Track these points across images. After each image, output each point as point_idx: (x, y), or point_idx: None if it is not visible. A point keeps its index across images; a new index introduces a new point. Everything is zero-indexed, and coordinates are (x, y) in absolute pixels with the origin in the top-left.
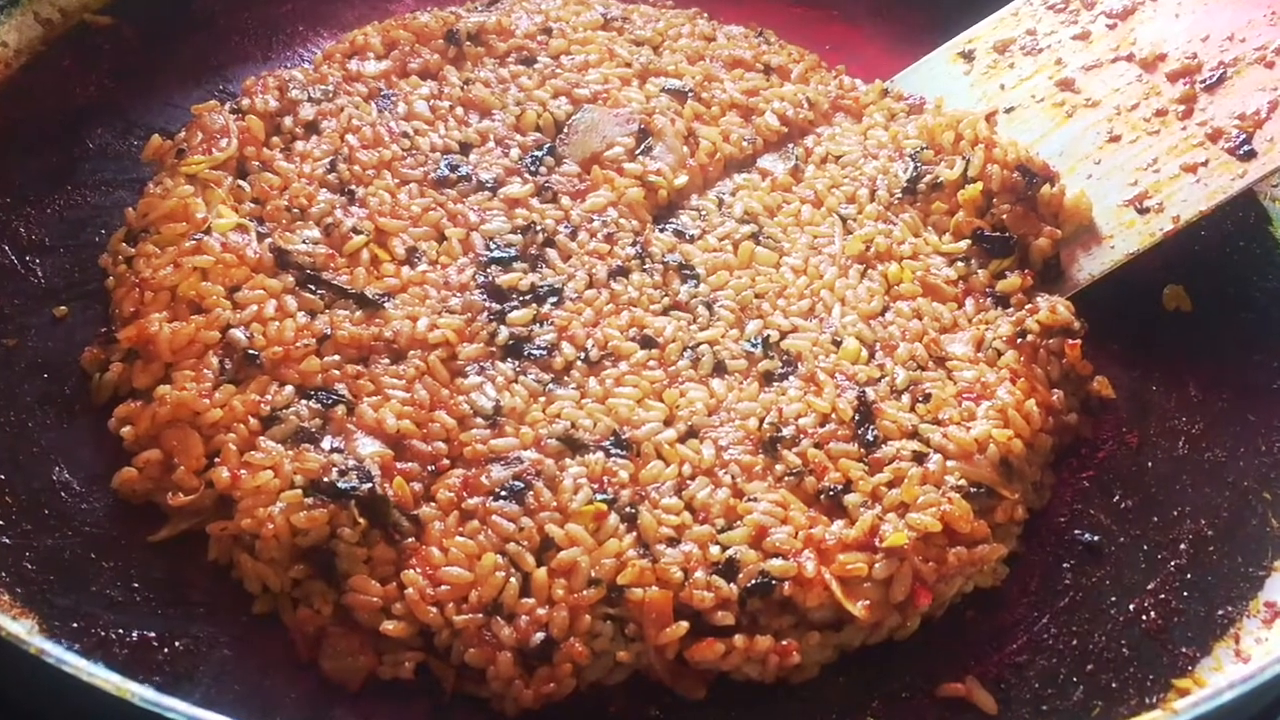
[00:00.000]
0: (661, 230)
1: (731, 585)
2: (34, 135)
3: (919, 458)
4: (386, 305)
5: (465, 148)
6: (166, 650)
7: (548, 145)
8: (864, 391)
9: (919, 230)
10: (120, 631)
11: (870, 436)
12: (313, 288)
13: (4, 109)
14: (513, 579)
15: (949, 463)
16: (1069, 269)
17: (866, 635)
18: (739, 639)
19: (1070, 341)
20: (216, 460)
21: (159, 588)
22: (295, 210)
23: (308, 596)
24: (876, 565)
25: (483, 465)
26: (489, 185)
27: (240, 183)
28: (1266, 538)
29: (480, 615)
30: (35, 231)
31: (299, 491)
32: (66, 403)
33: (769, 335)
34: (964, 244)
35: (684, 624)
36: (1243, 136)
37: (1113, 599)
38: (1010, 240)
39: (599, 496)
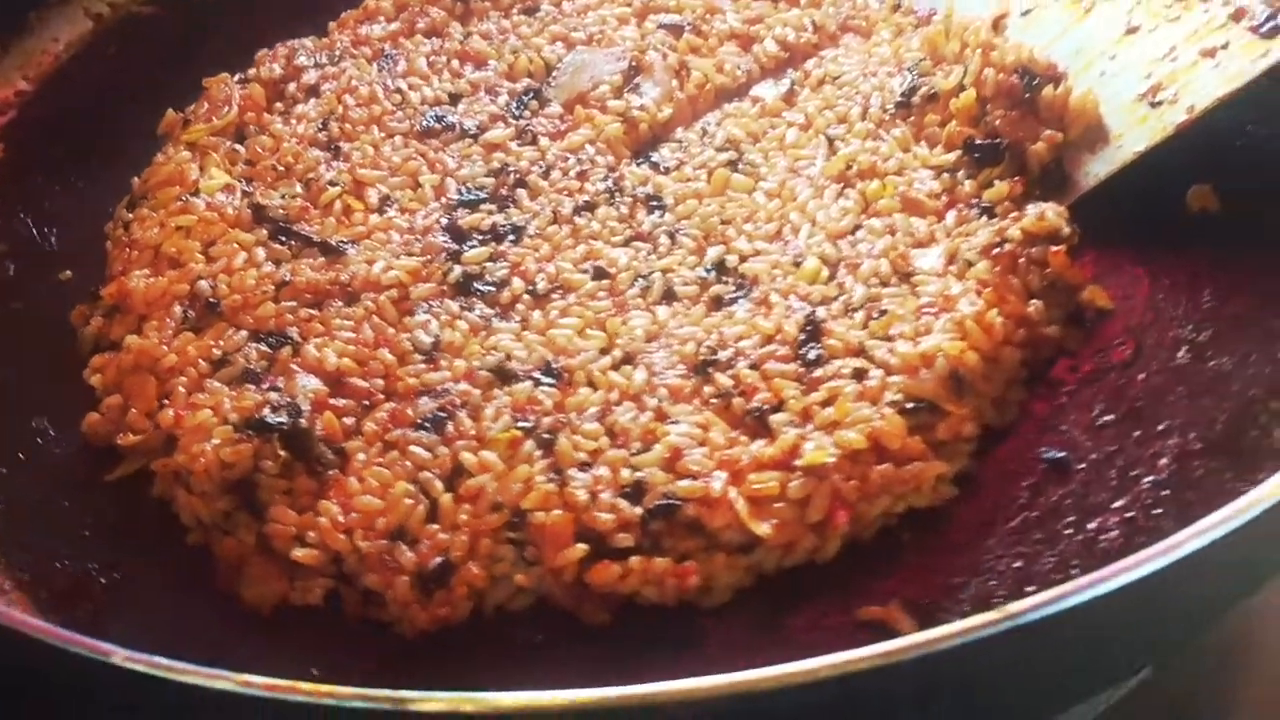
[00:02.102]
0: (639, 164)
1: (636, 508)
2: (74, 120)
3: (859, 375)
4: (349, 251)
5: (455, 98)
6: (104, 581)
7: (534, 89)
8: (814, 311)
9: (909, 145)
10: (66, 563)
11: (812, 355)
12: (283, 239)
13: (50, 97)
14: (420, 506)
15: (890, 378)
16: (1074, 174)
17: (780, 557)
18: (635, 561)
19: (1054, 248)
20: (167, 402)
21: (107, 523)
22: (281, 168)
23: (234, 528)
24: (792, 484)
25: (412, 399)
26: (471, 133)
27: (236, 146)
28: (1263, 450)
29: (385, 541)
30: (57, 205)
31: (230, 428)
32: (56, 357)
33: (726, 260)
34: (953, 155)
35: (581, 546)
36: (1268, 13)
37: (1072, 518)
38: (1000, 146)
39: (519, 424)
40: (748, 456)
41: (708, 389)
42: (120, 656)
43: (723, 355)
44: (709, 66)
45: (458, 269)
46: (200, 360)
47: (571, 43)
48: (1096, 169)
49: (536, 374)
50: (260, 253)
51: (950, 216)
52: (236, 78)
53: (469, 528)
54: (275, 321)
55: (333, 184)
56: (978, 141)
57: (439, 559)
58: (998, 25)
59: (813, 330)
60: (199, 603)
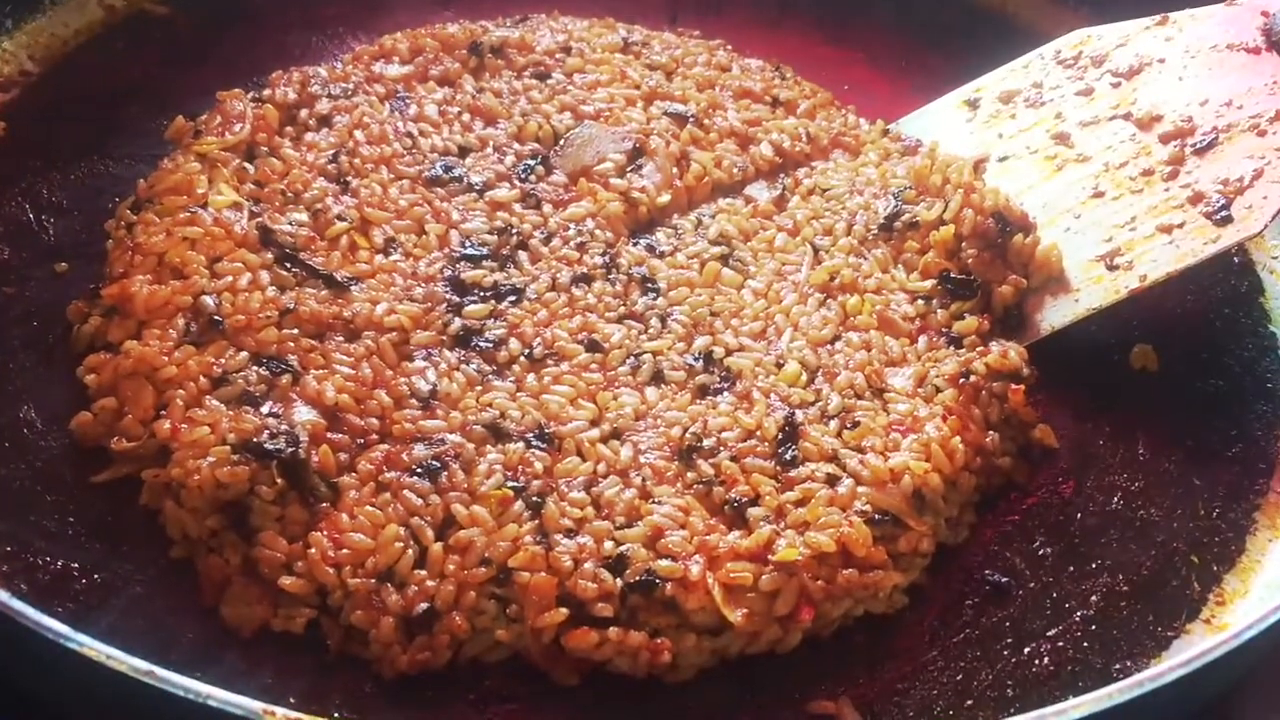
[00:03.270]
0: (634, 244)
1: (617, 580)
2: (76, 108)
3: (832, 480)
4: (353, 288)
5: (464, 151)
6: (84, 581)
7: (542, 155)
8: (793, 413)
9: (888, 266)
10: (47, 559)
11: (789, 456)
12: (289, 265)
13: (55, 82)
14: (410, 551)
15: (860, 488)
16: (1032, 318)
17: (745, 643)
18: (614, 631)
19: (1014, 386)
20: (163, 413)
21: (91, 525)
22: (290, 195)
23: (220, 546)
24: (764, 577)
25: (408, 443)
26: (477, 187)
27: (246, 165)
28: (1184, 600)
29: (373, 581)
30: (56, 194)
31: (228, 448)
32: (48, 349)
33: (713, 351)
34: (929, 283)
35: (563, 610)
36: (1222, 201)
37: (1009, 640)
38: (975, 284)
39: (510, 483)
40: (725, 545)
41: (690, 474)
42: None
43: (706, 444)
44: (708, 160)
45: (458, 321)
46: (201, 376)
47: (580, 115)
48: (1053, 318)
49: (529, 436)
50: (265, 276)
51: (921, 341)
52: (250, 95)
53: (456, 578)
54: (277, 347)
55: (340, 218)
56: (953, 275)
57: (425, 605)
58: (978, 168)
59: (791, 431)
60: (178, 616)
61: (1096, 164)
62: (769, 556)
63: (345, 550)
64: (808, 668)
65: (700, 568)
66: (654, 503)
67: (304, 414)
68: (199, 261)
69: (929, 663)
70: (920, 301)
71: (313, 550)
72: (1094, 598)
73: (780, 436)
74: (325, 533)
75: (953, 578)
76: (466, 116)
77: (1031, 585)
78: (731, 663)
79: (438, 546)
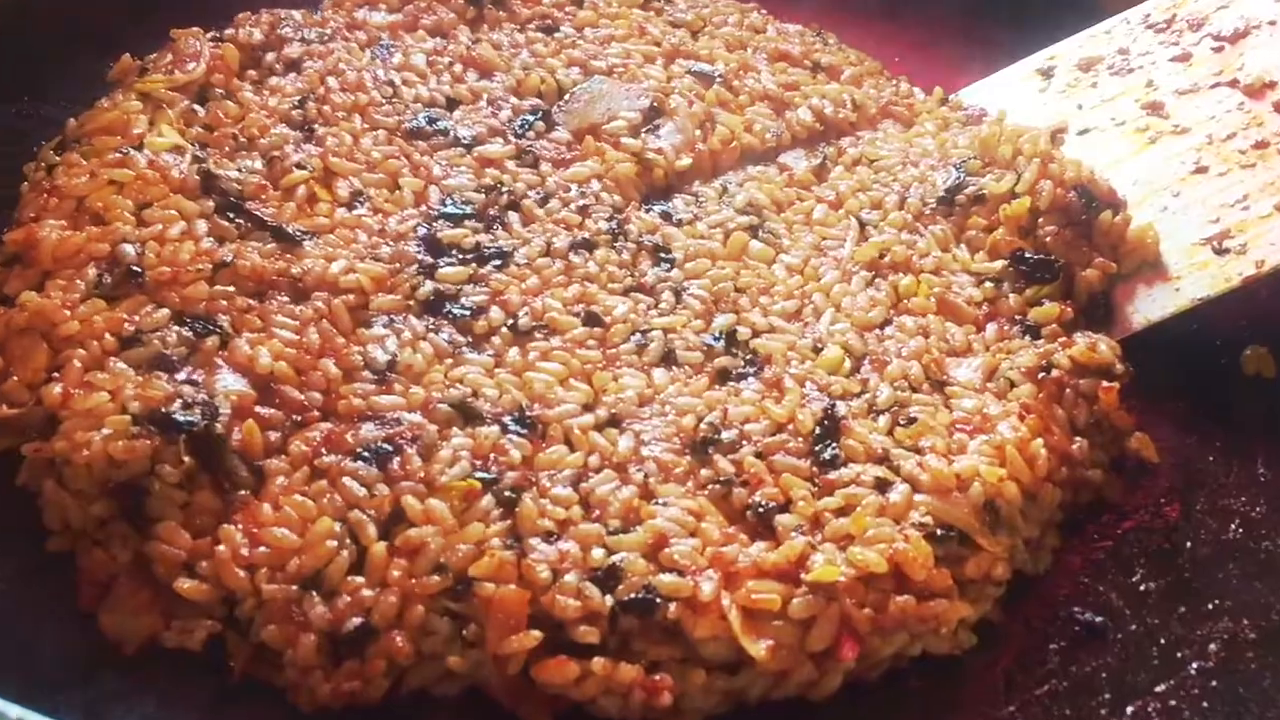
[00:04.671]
0: (647, 210)
1: (607, 597)
2: (18, 46)
3: (882, 486)
4: (305, 243)
5: (452, 103)
6: None
7: (543, 110)
8: (834, 405)
9: (949, 244)
10: None
11: (828, 454)
12: (232, 215)
13: (10, 20)
14: (345, 551)
15: (918, 496)
16: (1122, 309)
17: (769, 686)
18: (599, 663)
19: (1105, 384)
20: (57, 376)
21: None
22: (243, 140)
23: (108, 539)
24: (796, 601)
25: (354, 422)
26: (465, 142)
27: (196, 107)
28: None
29: (294, 588)
30: None
31: (128, 419)
32: None
33: (737, 331)
34: (999, 264)
35: (536, 634)
36: None
37: (1106, 696)
38: (1055, 265)
39: (478, 473)
40: (746, 559)
41: (705, 472)
42: None
43: (725, 436)
44: (737, 123)
45: (429, 284)
46: (107, 334)
47: (590, 70)
48: (1148, 310)
49: (506, 419)
50: (202, 225)
51: (990, 329)
52: (210, 35)
53: (400, 588)
54: (206, 305)
55: (300, 167)
56: (1027, 255)
57: (358, 620)
58: (1055, 138)
59: (831, 426)
60: (44, 623)
61: (1198, 136)
62: (802, 575)
63: (263, 548)
64: None
65: (714, 586)
66: (658, 504)
67: (229, 382)
68: (124, 207)
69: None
70: (988, 284)
71: (222, 547)
72: (1212, 646)
73: (818, 431)
74: (240, 526)
75: (1033, 614)
76: (458, 68)
77: (1133, 628)
78: (750, 710)
79: (380, 547)
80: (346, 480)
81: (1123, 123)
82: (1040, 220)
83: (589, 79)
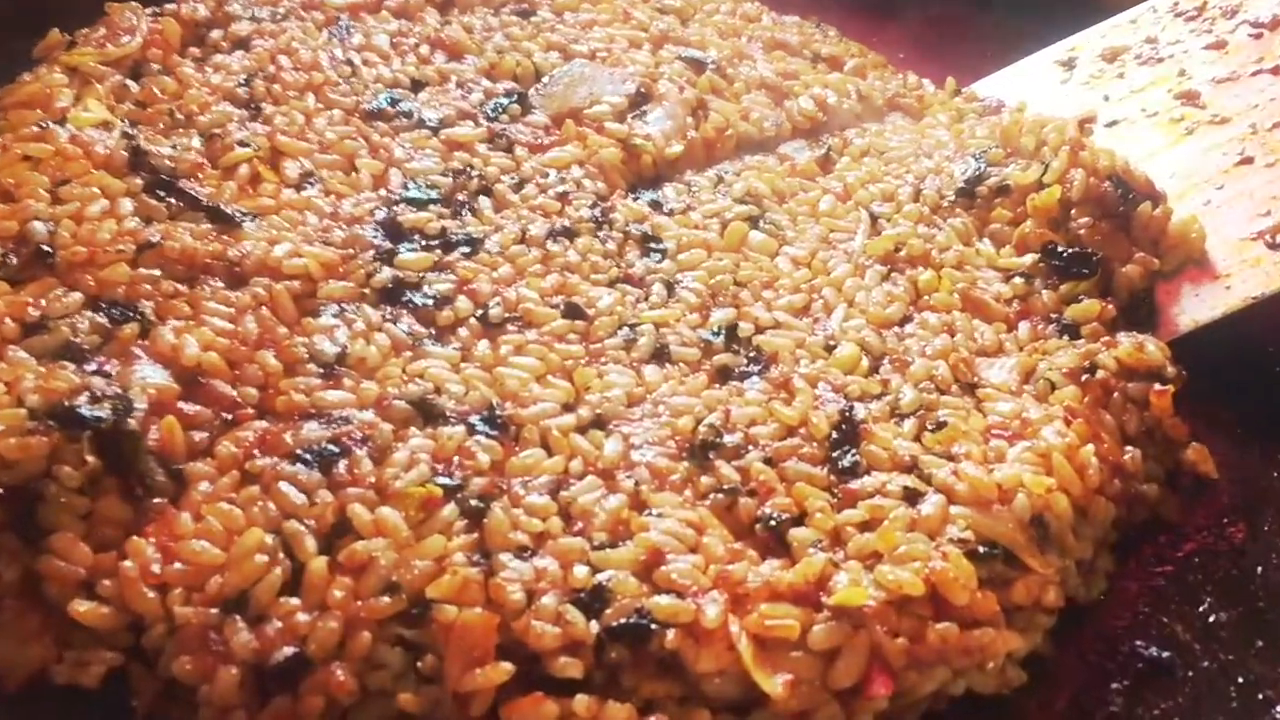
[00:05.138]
0: (635, 199)
1: (592, 623)
2: None
3: (911, 497)
4: (245, 224)
5: (417, 85)
6: None
7: (518, 93)
8: (851, 407)
9: (970, 238)
10: None
11: (847, 461)
12: (162, 194)
13: None
14: (277, 568)
15: (954, 508)
16: (1167, 310)
17: None
18: (583, 701)
19: (1158, 388)
20: None
21: None
22: (180, 117)
23: None
24: (818, 628)
25: (294, 421)
26: (430, 124)
27: (129, 83)
28: None
29: (214, 611)
30: None
31: (23, 413)
32: None
33: (739, 327)
34: (1029, 259)
35: (506, 667)
36: None
37: None
38: (1092, 258)
39: (439, 479)
40: (757, 578)
41: (705, 479)
42: None
43: (728, 440)
44: (732, 111)
45: (387, 271)
46: (7, 319)
47: (570, 54)
48: (1196, 311)
49: (474, 419)
50: (127, 204)
51: (1023, 328)
52: (149, 10)
53: (344, 611)
54: (126, 290)
55: (243, 144)
56: (1059, 249)
57: (290, 650)
58: (1083, 126)
59: (849, 430)
60: None
61: (1240, 125)
62: (823, 598)
63: (179, 565)
64: None
65: (719, 609)
66: (651, 515)
67: (148, 374)
68: (39, 183)
69: None
70: (1018, 280)
71: (128, 563)
72: None
73: (834, 436)
74: (152, 539)
75: (1089, 648)
76: (425, 49)
77: (1205, 665)
78: None
79: (320, 563)
80: (282, 486)
81: (1155, 114)
82: (1073, 212)
83: (569, 63)
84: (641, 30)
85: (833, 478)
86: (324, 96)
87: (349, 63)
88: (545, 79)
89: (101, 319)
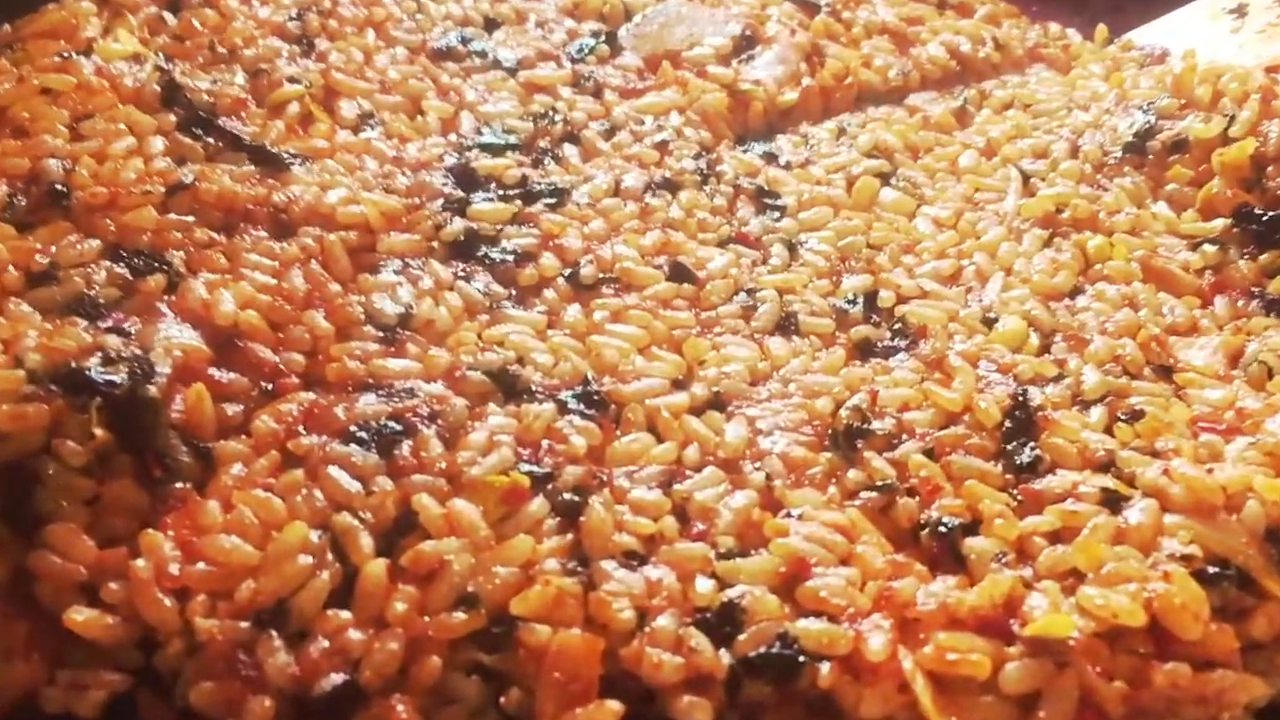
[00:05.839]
0: (744, 151)
1: (721, 651)
2: None
3: (1112, 502)
4: (294, 167)
5: (491, 24)
6: None
7: (606, 33)
8: (1024, 391)
9: (1144, 200)
10: None
11: (1026, 457)
12: (199, 132)
13: None
14: (324, 573)
15: (1170, 517)
16: None
17: None
18: None
19: None
20: None
21: None
22: (223, 51)
23: None
24: (1010, 666)
25: (348, 393)
26: (507, 65)
27: (166, 15)
28: None
29: (245, 624)
30: None
31: (21, 374)
32: None
33: (879, 295)
34: (1218, 223)
35: (614, 707)
36: None
37: None
38: None
39: (524, 466)
40: (930, 600)
41: (853, 474)
42: None
43: (878, 427)
44: (853, 58)
45: (459, 223)
46: (11, 267)
47: None
48: None
49: (565, 395)
50: (158, 143)
51: (1219, 303)
52: None
53: (406, 628)
54: (152, 237)
55: (293, 80)
56: (1256, 211)
57: (339, 677)
58: (1273, 73)
59: (1024, 419)
60: None
61: None
62: (1015, 627)
63: (203, 565)
64: None
65: (885, 639)
66: (789, 517)
67: (175, 334)
68: (57, 118)
69: None
70: (1209, 248)
71: (141, 562)
72: None
73: (1008, 426)
74: (171, 533)
75: None
76: None
77: None
78: None
79: (377, 567)
80: (332, 471)
81: None
82: (1269, 170)
83: (664, 1)
84: None
85: (1009, 475)
86: (385, 34)
87: None
88: (637, 18)
89: (122, 269)
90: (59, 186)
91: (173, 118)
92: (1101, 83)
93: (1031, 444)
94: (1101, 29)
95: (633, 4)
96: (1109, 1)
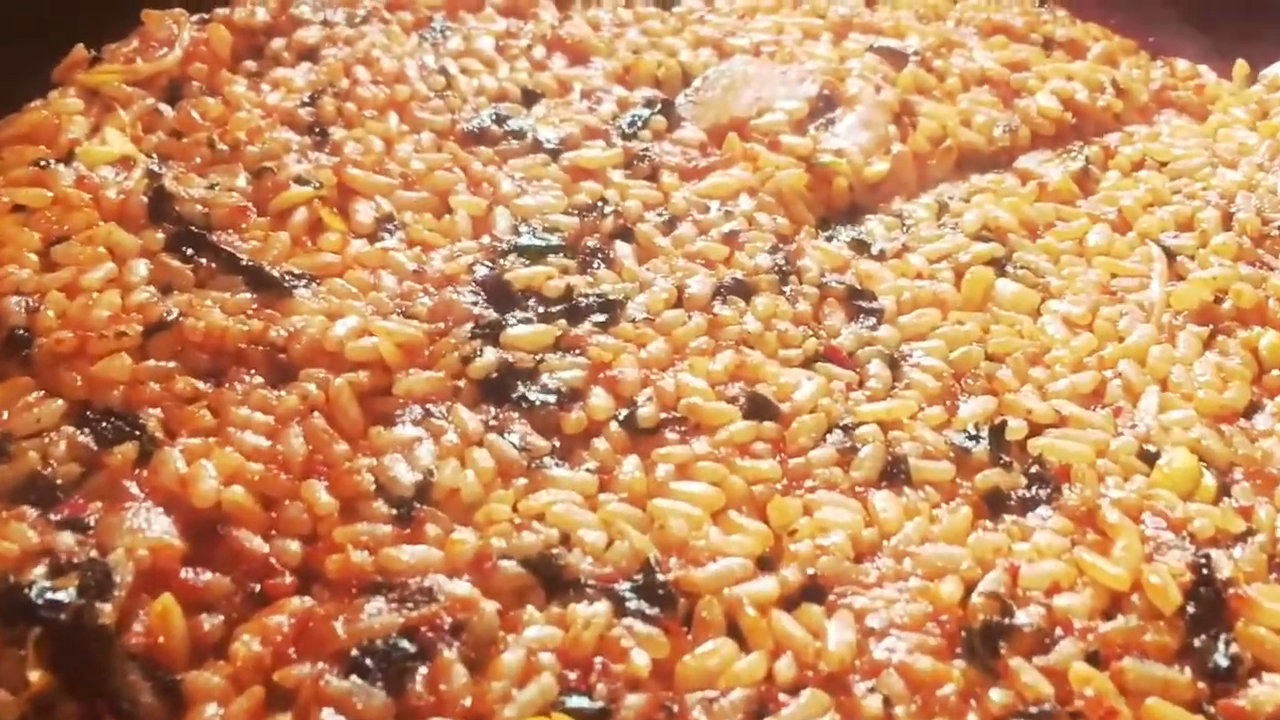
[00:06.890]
0: (828, 238)
1: None
2: None
3: None
4: (298, 291)
5: (530, 97)
6: None
7: (663, 101)
8: (1206, 557)
9: None
10: None
11: (1222, 658)
12: (189, 251)
13: None
14: None
15: None
16: None
17: None
18: None
19: None
20: None
21: None
22: (223, 148)
23: None
24: None
25: (351, 595)
26: (549, 146)
27: (163, 107)
28: None
29: None
30: None
31: None
32: None
33: (1007, 425)
34: None
35: None
36: None
37: None
38: None
39: (574, 699)
40: None
41: (996, 695)
42: None
43: (1023, 620)
44: (949, 115)
45: (491, 353)
46: None
47: (727, 51)
48: None
49: (622, 586)
50: (140, 268)
51: None
52: (195, 17)
53: None
54: (125, 392)
55: (302, 182)
56: None
57: None
58: None
59: (1211, 598)
60: None
61: None
62: None
63: None
64: None
65: None
66: None
67: (141, 522)
68: (25, 243)
69: None
70: None
71: None
72: None
73: (1191, 610)
74: None
75: None
76: (540, 52)
77: None
78: None
79: None
80: (328, 718)
81: None
82: None
83: (727, 60)
84: (818, 17)
85: (1202, 684)
86: (409, 116)
87: (443, 72)
88: (696, 82)
89: (85, 437)
90: (20, 332)
91: (160, 235)
92: (1249, 131)
93: (1224, 636)
94: (1241, 65)
95: (691, 65)
96: (1239, 27)
